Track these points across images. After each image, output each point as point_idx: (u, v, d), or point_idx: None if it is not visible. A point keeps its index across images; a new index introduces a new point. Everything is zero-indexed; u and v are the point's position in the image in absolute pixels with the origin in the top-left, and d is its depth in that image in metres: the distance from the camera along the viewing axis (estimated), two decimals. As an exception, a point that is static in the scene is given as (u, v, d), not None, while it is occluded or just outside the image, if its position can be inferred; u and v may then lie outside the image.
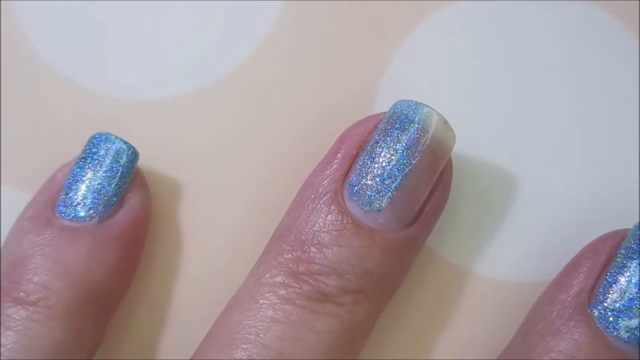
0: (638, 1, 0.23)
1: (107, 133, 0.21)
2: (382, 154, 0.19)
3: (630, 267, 0.19)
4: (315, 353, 0.18)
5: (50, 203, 0.21)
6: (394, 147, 0.19)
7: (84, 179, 0.21)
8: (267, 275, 0.19)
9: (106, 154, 0.21)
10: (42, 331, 0.19)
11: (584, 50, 0.23)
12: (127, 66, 0.24)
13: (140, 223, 0.21)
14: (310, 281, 0.19)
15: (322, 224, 0.19)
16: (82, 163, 0.21)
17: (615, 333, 0.19)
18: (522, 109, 0.23)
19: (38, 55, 0.24)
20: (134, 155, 0.21)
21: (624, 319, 0.19)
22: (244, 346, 0.18)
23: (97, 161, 0.21)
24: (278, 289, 0.19)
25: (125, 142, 0.21)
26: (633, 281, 0.19)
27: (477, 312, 0.22)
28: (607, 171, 0.23)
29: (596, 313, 0.19)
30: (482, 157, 0.23)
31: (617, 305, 0.19)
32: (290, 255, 0.19)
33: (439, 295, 0.22)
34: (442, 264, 0.23)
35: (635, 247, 0.19)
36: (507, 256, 0.22)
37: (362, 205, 0.19)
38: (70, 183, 0.21)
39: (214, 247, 0.23)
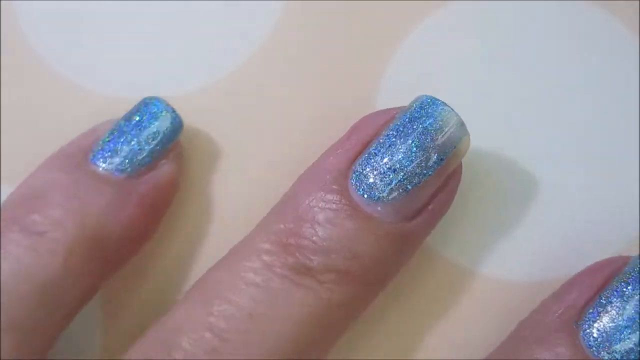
0: (638, 1, 0.23)
1: (157, 98, 0.22)
2: (393, 145, 0.19)
3: (624, 293, 0.19)
4: (286, 321, 0.18)
5: (85, 149, 0.21)
6: (406, 140, 0.19)
7: (123, 134, 0.21)
8: (257, 240, 0.19)
9: (151, 116, 0.21)
10: (39, 262, 0.19)
11: (584, 50, 0.23)
12: (127, 66, 0.24)
13: (165, 190, 0.21)
14: (297, 254, 0.19)
15: (319, 201, 0.19)
16: (126, 119, 0.21)
17: (596, 354, 0.19)
18: (523, 109, 0.23)
19: (38, 55, 0.24)
20: (178, 124, 0.22)
21: (609, 342, 0.19)
22: (219, 302, 0.19)
23: (140, 120, 0.21)
24: (264, 255, 0.19)
25: (173, 111, 0.21)
26: (625, 308, 0.19)
27: (478, 311, 0.22)
28: (608, 171, 0.23)
29: (582, 331, 0.19)
30: (483, 157, 0.23)
31: (604, 327, 0.19)
32: (283, 226, 0.19)
33: (440, 294, 0.22)
34: (442, 262, 0.23)
35: (633, 275, 0.19)
36: (508, 256, 0.22)
37: (363, 191, 0.19)
38: (109, 134, 0.21)
39: (217, 244, 0.23)
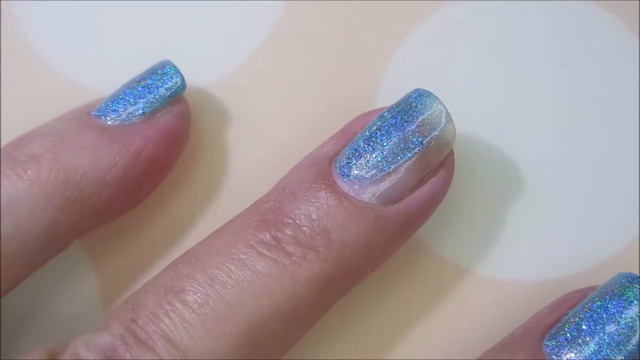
0: (638, 1, 0.23)
1: (169, 61, 0.22)
2: (375, 128, 0.20)
3: (591, 309, 0.19)
4: (244, 289, 0.19)
5: (95, 104, 0.22)
6: (387, 123, 0.20)
7: (125, 88, 0.22)
8: (240, 220, 0.20)
9: (155, 75, 0.22)
10: (8, 186, 0.20)
11: (584, 50, 0.23)
12: (127, 65, 0.24)
13: (157, 145, 0.21)
14: (272, 229, 0.19)
15: (302, 182, 0.20)
16: (133, 78, 0.22)
17: None
18: (522, 108, 0.23)
19: (38, 54, 0.24)
20: (177, 83, 0.22)
21: (567, 352, 0.19)
22: (185, 265, 0.19)
23: (144, 79, 0.22)
24: (240, 230, 0.19)
25: (175, 69, 0.22)
26: (589, 325, 0.19)
27: (477, 310, 0.22)
28: (607, 171, 0.23)
29: (544, 341, 0.19)
30: (481, 156, 0.23)
31: (566, 341, 0.19)
32: (267, 205, 0.20)
33: (437, 293, 0.22)
34: (441, 262, 0.23)
35: (600, 293, 0.19)
36: (507, 255, 0.22)
37: (341, 168, 0.20)
38: (119, 89, 0.22)
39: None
